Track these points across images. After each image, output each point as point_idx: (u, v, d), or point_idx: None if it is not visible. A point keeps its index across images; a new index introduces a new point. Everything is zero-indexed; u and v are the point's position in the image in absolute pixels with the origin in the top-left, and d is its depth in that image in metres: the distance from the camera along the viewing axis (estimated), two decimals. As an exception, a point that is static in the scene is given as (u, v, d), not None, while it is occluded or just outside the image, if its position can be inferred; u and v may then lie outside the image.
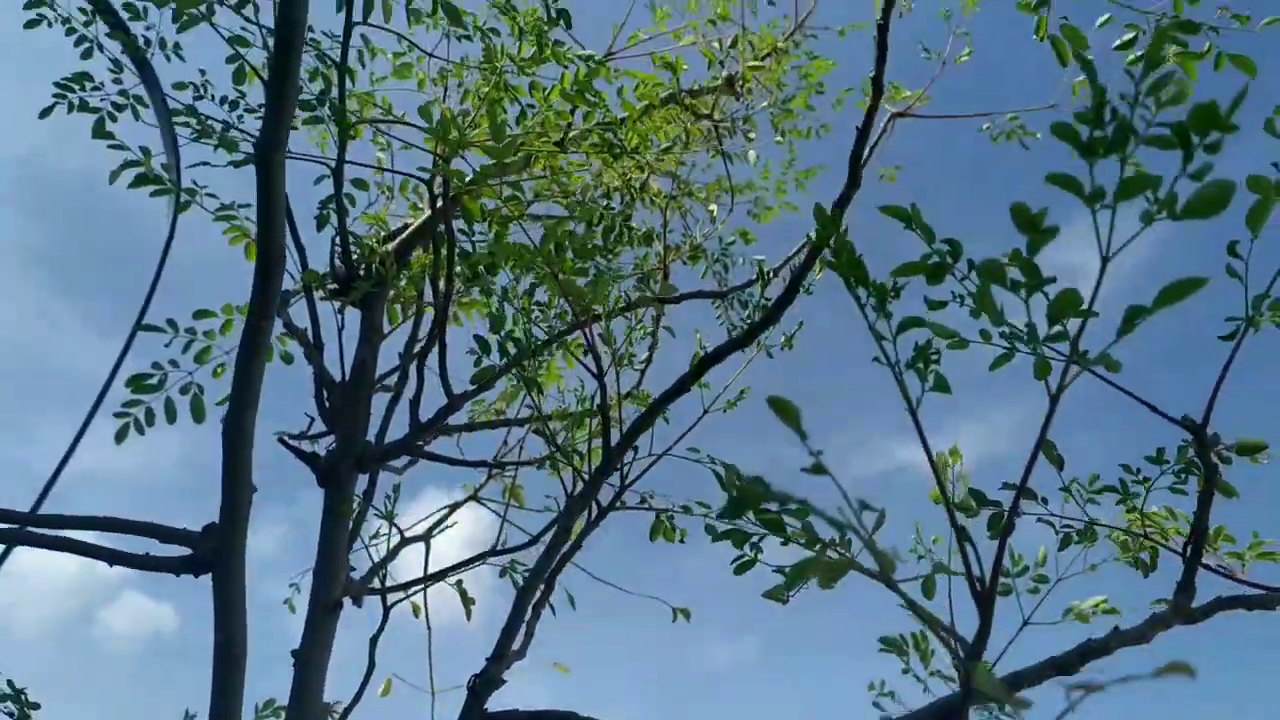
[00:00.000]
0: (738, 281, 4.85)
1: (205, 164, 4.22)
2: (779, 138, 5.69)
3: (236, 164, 3.72)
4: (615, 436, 3.28)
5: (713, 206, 5.52)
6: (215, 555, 2.96)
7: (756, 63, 5.40)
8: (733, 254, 5.58)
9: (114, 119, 4.38)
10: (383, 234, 4.65)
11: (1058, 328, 1.78)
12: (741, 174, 5.78)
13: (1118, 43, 3.39)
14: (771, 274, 4.26)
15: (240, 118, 3.97)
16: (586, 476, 3.34)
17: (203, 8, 3.55)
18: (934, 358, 2.13)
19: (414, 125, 3.97)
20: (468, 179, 3.69)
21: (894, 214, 1.98)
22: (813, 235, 3.27)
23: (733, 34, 4.82)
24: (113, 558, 2.99)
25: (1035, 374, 1.76)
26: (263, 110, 2.92)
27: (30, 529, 2.93)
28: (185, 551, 3.04)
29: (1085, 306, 1.78)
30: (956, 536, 1.86)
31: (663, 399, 3.26)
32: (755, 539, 2.41)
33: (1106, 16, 3.39)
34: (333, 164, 3.91)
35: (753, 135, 5.13)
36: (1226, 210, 1.56)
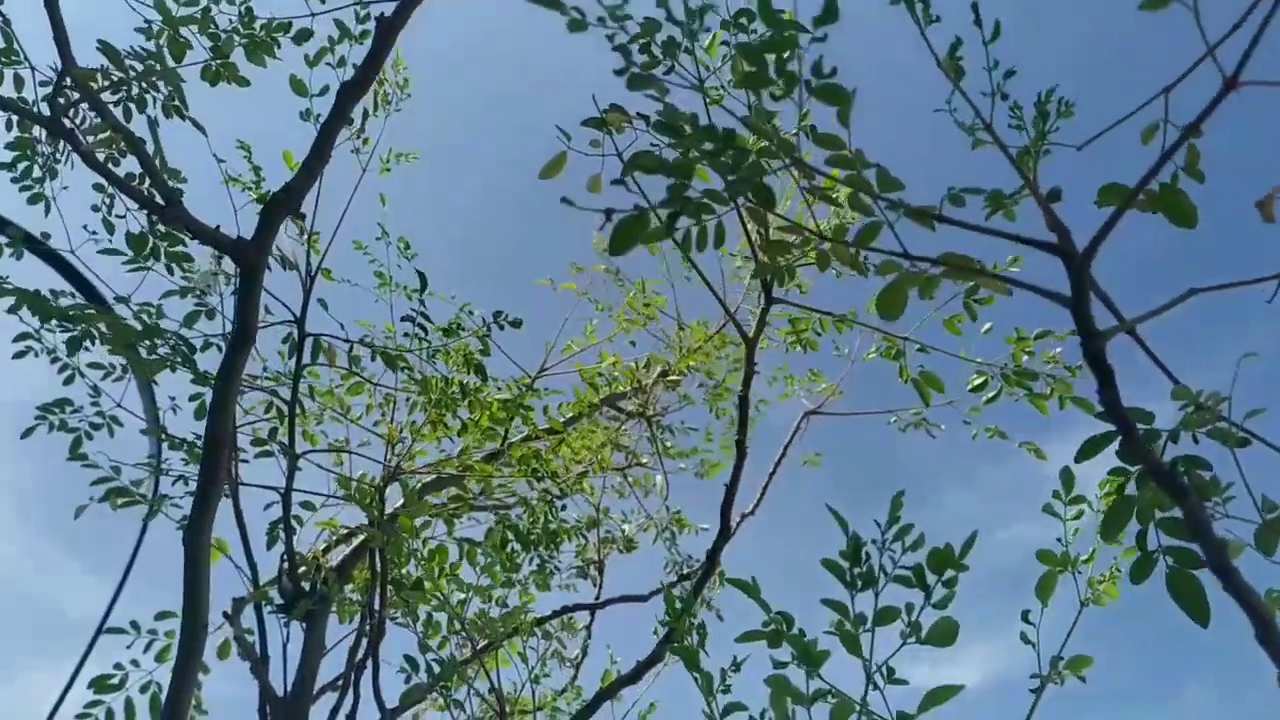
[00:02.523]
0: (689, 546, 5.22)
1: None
2: (715, 416, 6.19)
3: (146, 518, 4.13)
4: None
5: (658, 478, 5.96)
6: None
7: (688, 359, 5.93)
8: (676, 531, 5.97)
9: (90, 438, 4.79)
10: (334, 538, 5.00)
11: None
12: (687, 441, 6.25)
13: (970, 386, 3.88)
14: (686, 578, 4.60)
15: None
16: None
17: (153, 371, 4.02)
18: (767, 731, 2.44)
19: (358, 454, 4.38)
20: (399, 505, 4.07)
21: (737, 585, 2.35)
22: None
23: (646, 356, 5.33)
24: None
25: None
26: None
27: None
28: None
29: None
30: None
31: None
32: None
33: (981, 379, 3.90)
34: (281, 491, 4.30)
35: (675, 431, 5.58)
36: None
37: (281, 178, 4.47)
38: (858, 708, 2.09)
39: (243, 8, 3.47)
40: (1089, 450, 2.16)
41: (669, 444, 5.98)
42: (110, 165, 3.40)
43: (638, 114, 3.19)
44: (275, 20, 3.54)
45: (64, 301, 4.15)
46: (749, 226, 3.12)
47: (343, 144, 4.49)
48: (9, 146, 4.30)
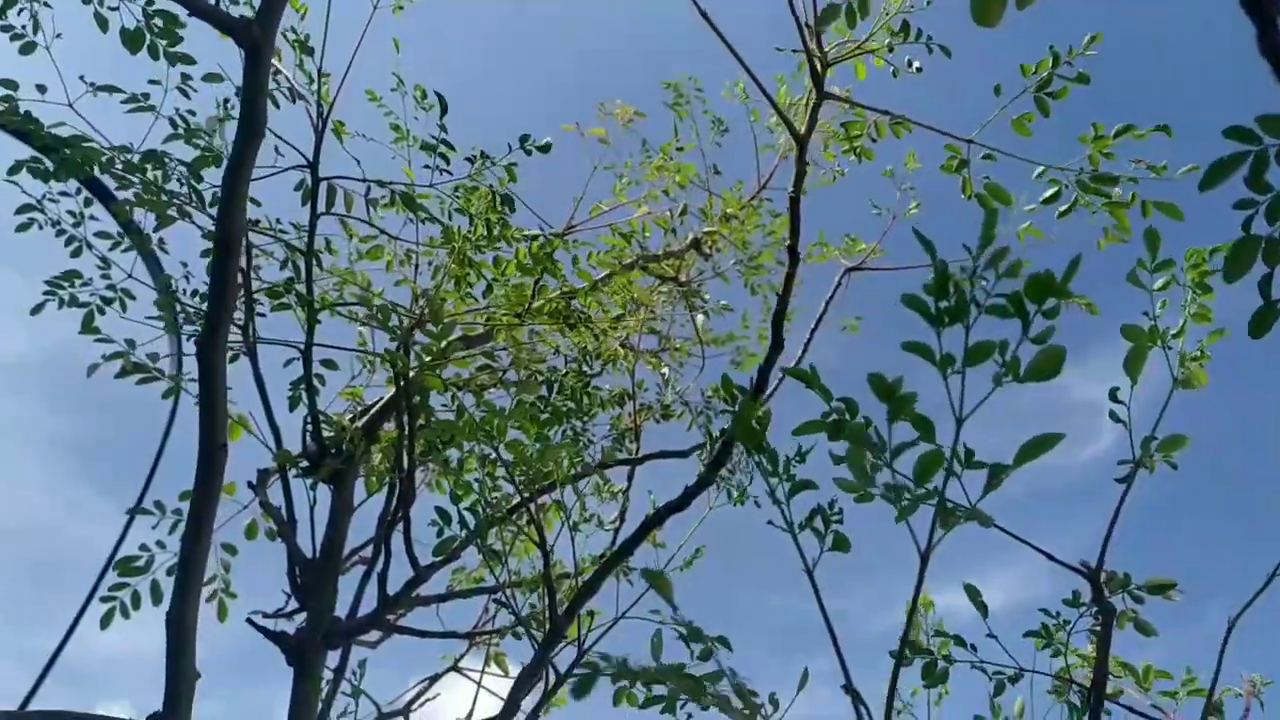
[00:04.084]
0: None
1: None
2: (751, 293, 5.91)
3: (165, 395, 3.94)
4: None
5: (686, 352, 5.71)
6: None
7: (720, 226, 5.63)
8: (715, 406, 5.73)
9: (102, 313, 4.57)
10: (359, 409, 4.80)
11: (925, 487, 1.88)
12: (723, 326, 5.99)
13: (1044, 196, 3.57)
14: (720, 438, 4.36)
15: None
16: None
17: (174, 212, 3.78)
18: (835, 517, 2.21)
19: (373, 312, 4.14)
20: (426, 357, 3.85)
21: (796, 375, 2.09)
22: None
23: (682, 203, 5.04)
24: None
25: (897, 518, 1.85)
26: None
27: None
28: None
29: (947, 463, 1.87)
30: (852, 700, 1.91)
31: (606, 564, 3.32)
32: (681, 702, 2.46)
33: (1041, 169, 3.56)
34: (301, 347, 4.08)
35: (708, 298, 5.32)
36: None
37: None
38: (947, 454, 1.84)
39: None
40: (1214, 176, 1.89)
41: (706, 315, 5.71)
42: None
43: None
44: None
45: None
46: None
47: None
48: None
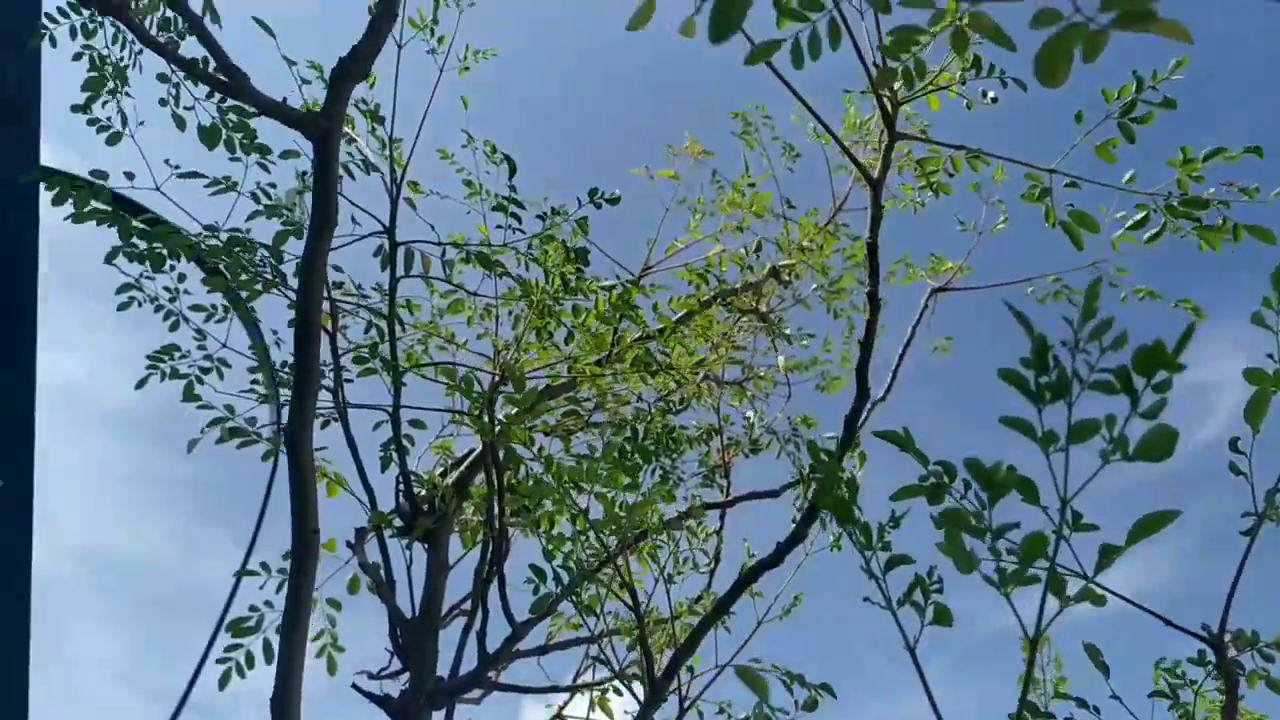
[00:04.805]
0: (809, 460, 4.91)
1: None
2: (834, 317, 5.83)
3: (264, 456, 4.01)
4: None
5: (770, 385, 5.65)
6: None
7: (798, 255, 5.57)
8: (802, 434, 5.68)
9: (201, 382, 4.69)
10: (449, 463, 4.85)
11: (1031, 570, 1.81)
12: (806, 351, 5.93)
13: (1131, 221, 3.45)
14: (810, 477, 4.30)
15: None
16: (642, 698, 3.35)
17: (260, 285, 3.86)
18: (935, 587, 2.14)
19: (462, 365, 4.17)
20: (512, 412, 3.86)
21: (889, 439, 2.04)
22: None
23: (758, 239, 5.00)
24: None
25: (1002, 591, 1.78)
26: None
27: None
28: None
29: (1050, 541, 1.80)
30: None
31: (703, 623, 3.28)
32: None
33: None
34: (390, 409, 4.14)
35: (789, 330, 5.26)
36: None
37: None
38: (1051, 538, 1.77)
39: None
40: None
41: (789, 343, 5.66)
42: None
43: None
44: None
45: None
46: (861, 37, 2.76)
47: (414, 42, 4.25)
48: (82, 88, 4.17)
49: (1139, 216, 3.32)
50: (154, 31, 3.17)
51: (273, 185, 4.27)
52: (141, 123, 4.23)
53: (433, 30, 4.35)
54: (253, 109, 3.18)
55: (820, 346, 5.88)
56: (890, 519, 2.21)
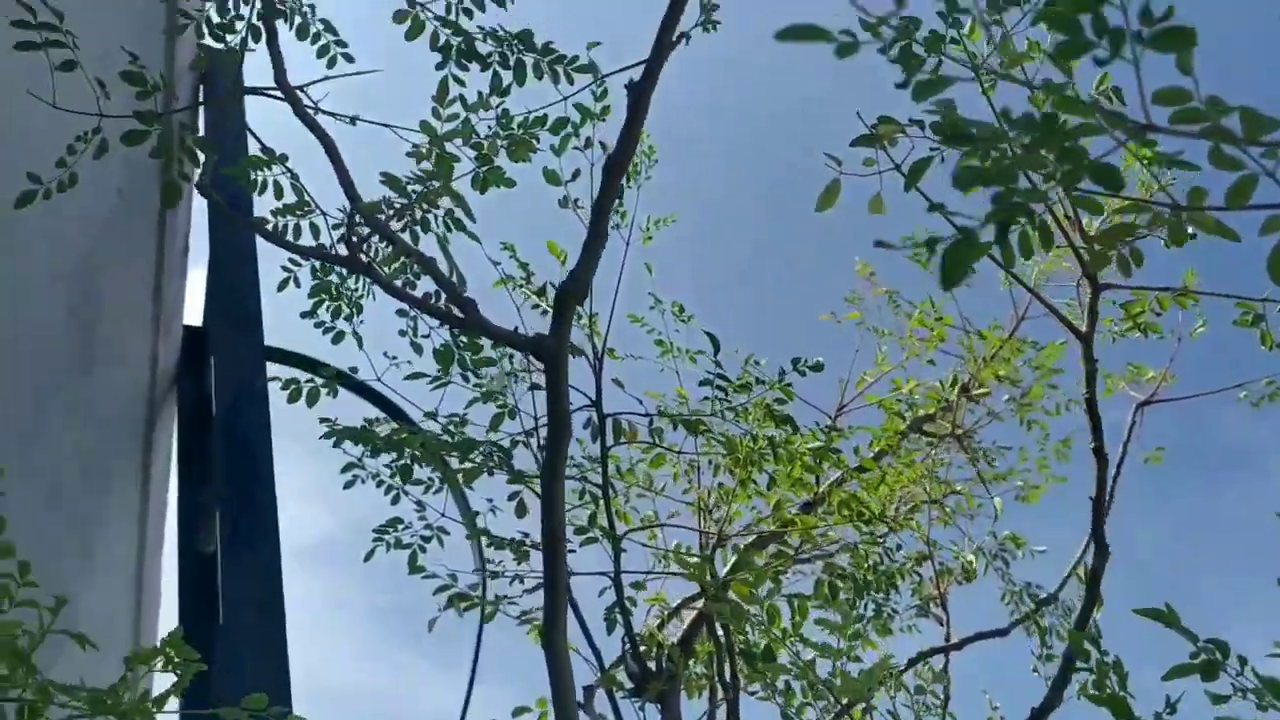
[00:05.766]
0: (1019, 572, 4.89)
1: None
2: (1027, 429, 5.77)
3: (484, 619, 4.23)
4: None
5: (980, 502, 5.61)
6: None
7: (987, 370, 5.55)
8: (1011, 550, 5.61)
9: (424, 551, 4.99)
10: (666, 613, 4.97)
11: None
12: (1002, 463, 5.88)
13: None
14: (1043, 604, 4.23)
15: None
16: None
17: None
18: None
19: (673, 525, 4.32)
20: (730, 569, 3.97)
21: (1151, 616, 2.05)
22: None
23: (952, 371, 5.02)
24: None
25: None
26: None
27: None
28: None
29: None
30: None
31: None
32: None
33: None
34: (611, 575, 4.31)
35: (987, 463, 5.24)
36: None
37: (547, 268, 4.57)
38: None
39: (499, 109, 3.56)
40: None
41: (990, 464, 5.64)
42: (407, 289, 3.55)
43: (910, 121, 2.97)
44: (531, 115, 3.61)
45: (380, 430, 4.37)
46: (1065, 221, 2.83)
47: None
48: (310, 294, 4.59)
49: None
50: (389, 268, 3.51)
51: (492, 362, 4.56)
52: (362, 321, 4.63)
53: (617, 207, 4.63)
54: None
55: (1016, 457, 5.83)
56: (1167, 705, 2.17)
